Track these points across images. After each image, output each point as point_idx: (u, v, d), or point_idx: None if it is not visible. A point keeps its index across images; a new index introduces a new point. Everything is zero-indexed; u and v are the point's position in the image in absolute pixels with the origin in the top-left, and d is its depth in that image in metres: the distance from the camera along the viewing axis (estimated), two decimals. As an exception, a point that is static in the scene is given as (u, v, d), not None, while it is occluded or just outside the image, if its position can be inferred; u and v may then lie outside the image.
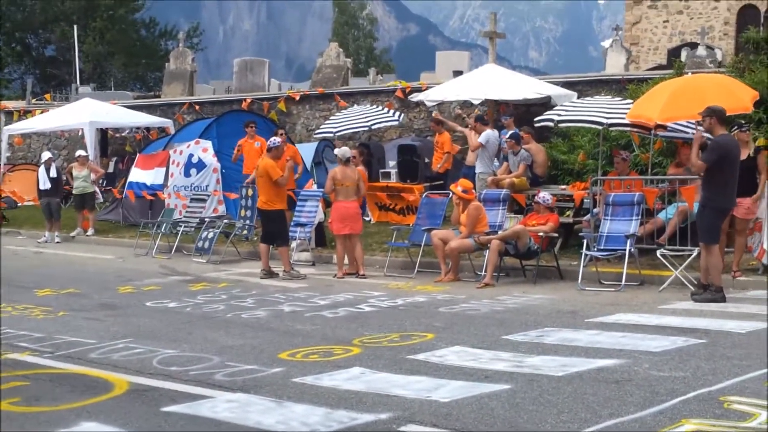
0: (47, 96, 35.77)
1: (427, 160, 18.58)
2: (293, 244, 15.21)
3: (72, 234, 20.18)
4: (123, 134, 27.35)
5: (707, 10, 37.73)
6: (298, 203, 16.17)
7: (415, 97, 20.09)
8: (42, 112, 28.06)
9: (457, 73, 28.15)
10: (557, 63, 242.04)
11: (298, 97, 25.06)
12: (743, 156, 11.34)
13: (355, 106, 22.49)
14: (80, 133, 25.15)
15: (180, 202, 19.12)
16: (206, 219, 17.50)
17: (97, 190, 21.31)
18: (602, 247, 12.54)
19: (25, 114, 29.57)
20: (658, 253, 12.21)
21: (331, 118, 21.20)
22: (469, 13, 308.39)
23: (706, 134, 10.94)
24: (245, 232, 16.72)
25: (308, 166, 19.52)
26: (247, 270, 15.01)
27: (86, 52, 47.99)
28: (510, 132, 16.01)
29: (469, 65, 37.18)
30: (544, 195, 13.41)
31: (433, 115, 19.12)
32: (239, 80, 29.96)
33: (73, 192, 20.58)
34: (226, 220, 17.24)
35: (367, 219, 17.84)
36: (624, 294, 11.51)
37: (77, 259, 16.92)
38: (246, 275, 14.45)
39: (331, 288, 12.79)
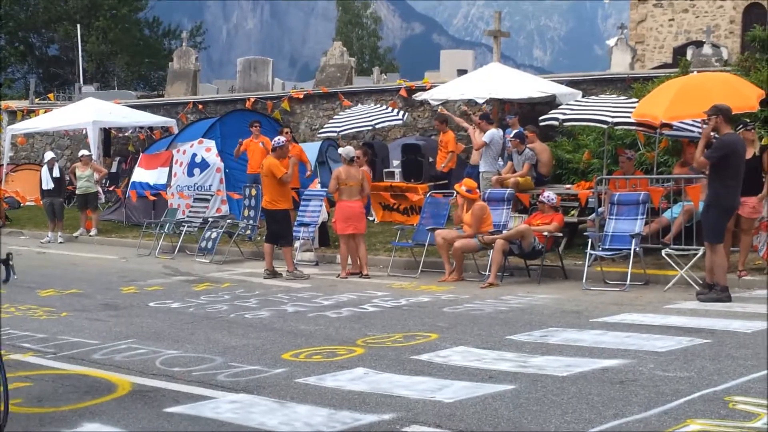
0: (50, 95, 35.79)
1: (431, 160, 18.57)
2: (297, 244, 15.18)
3: (75, 234, 20.18)
4: (126, 134, 27.33)
5: (713, 8, 37.62)
6: (302, 203, 16.15)
7: (420, 96, 20.05)
8: (45, 112, 28.05)
9: (462, 72, 28.14)
10: (562, 62, 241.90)
11: (301, 96, 25.03)
12: (749, 155, 11.29)
13: (359, 105, 22.46)
14: (83, 133, 25.15)
15: (183, 202, 19.12)
16: (209, 219, 17.48)
17: (99, 189, 21.28)
18: (607, 247, 12.50)
19: (28, 114, 29.57)
20: (663, 252, 12.17)
21: (335, 117, 21.18)
22: (474, 11, 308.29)
23: (712, 132, 10.89)
24: (248, 232, 16.69)
25: (312, 165, 19.49)
26: (250, 270, 14.99)
27: (89, 51, 48.02)
28: (515, 131, 15.97)
29: (473, 64, 37.17)
30: (549, 194, 13.37)
31: (438, 110, 19.03)
32: (243, 79, 29.94)
33: (76, 192, 20.58)
34: (229, 220, 17.22)
35: (371, 219, 17.82)
36: (629, 294, 11.47)
37: (80, 259, 16.91)
38: (249, 275, 14.43)
39: (335, 288, 12.76)
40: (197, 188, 19.23)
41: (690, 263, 11.77)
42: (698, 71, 17.08)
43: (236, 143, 18.68)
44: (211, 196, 18.85)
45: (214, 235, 16.61)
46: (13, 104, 32.35)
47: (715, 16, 37.23)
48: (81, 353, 8.46)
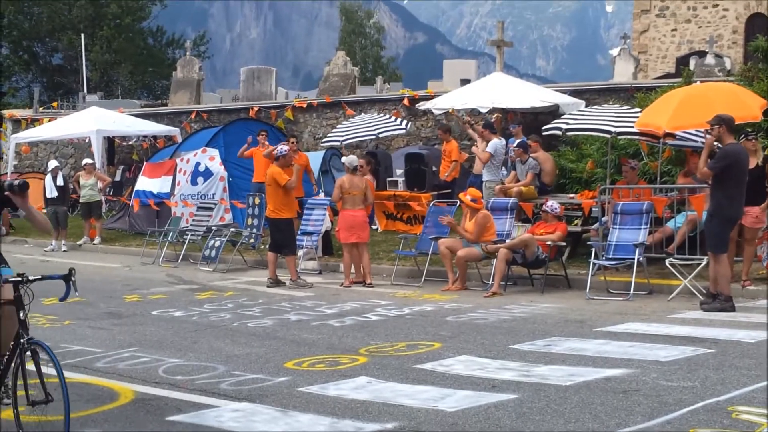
0: (54, 104, 35.85)
1: (434, 169, 18.57)
2: (300, 253, 15.18)
3: (79, 243, 20.20)
4: (130, 143, 27.37)
5: (715, 18, 37.66)
6: (305, 212, 16.16)
7: (423, 106, 20.07)
8: (49, 121, 28.07)
9: (465, 82, 28.14)
10: (565, 71, 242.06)
11: (305, 106, 25.06)
12: (752, 165, 11.29)
13: (362, 114, 22.48)
14: (87, 142, 25.18)
15: (187, 211, 19.13)
16: (213, 227, 17.49)
17: (102, 198, 21.31)
18: (611, 256, 12.49)
19: (32, 122, 29.62)
20: (667, 262, 12.16)
21: (338, 126, 21.20)
22: (477, 21, 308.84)
23: (715, 142, 10.90)
24: (252, 240, 16.70)
25: (315, 174, 19.52)
26: (253, 279, 14.99)
27: (93, 60, 48.14)
28: (518, 140, 15.97)
29: (476, 74, 37.17)
30: (552, 204, 13.37)
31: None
32: (246, 89, 29.99)
33: (80, 200, 20.61)
34: (232, 229, 17.23)
35: (374, 228, 17.82)
36: (632, 303, 11.46)
37: (84, 267, 16.88)
38: (253, 284, 14.43)
39: (338, 297, 12.76)
40: (201, 197, 19.25)
41: (694, 273, 11.76)
42: (701, 81, 17.11)
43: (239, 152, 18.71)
44: (215, 204, 18.87)
45: (217, 243, 16.61)
46: (17, 113, 32.40)
47: (717, 27, 37.26)
48: (84, 361, 8.46)
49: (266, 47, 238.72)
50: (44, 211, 21.10)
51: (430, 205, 15.67)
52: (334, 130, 20.91)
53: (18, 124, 30.07)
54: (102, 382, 7.58)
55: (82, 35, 42.74)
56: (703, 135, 12.37)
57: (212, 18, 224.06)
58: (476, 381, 7.34)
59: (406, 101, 23.18)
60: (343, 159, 14.97)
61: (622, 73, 27.64)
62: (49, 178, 20.41)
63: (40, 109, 33.38)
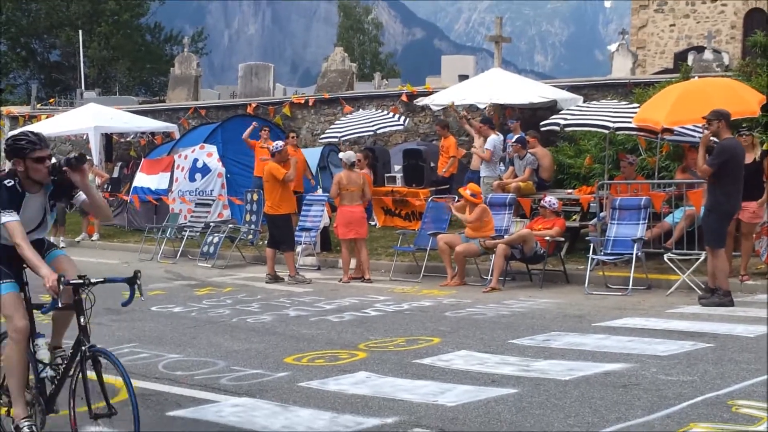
0: (52, 101, 35.80)
1: (432, 165, 18.56)
2: (299, 249, 15.18)
3: (77, 239, 20.20)
4: (128, 139, 27.33)
5: (714, 13, 37.66)
6: (304, 208, 16.17)
7: (421, 102, 20.07)
8: (47, 118, 28.04)
9: (463, 78, 28.07)
10: (563, 67, 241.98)
11: (303, 102, 25.04)
12: (749, 160, 11.30)
13: (360, 110, 22.46)
14: (85, 138, 25.15)
15: (185, 207, 19.13)
16: (211, 223, 17.49)
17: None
18: (609, 251, 12.50)
19: (30, 119, 29.58)
20: (665, 257, 12.17)
21: (337, 122, 21.18)
22: (475, 17, 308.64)
23: (712, 138, 10.91)
24: (250, 236, 16.70)
25: (313, 170, 19.52)
26: (252, 274, 15.00)
27: (91, 57, 48.06)
28: (516, 136, 15.98)
29: (474, 69, 37.10)
30: (551, 199, 13.38)
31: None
32: (244, 85, 29.95)
33: (79, 197, 20.58)
34: (231, 225, 17.24)
35: (372, 223, 17.82)
36: (631, 298, 11.47)
37: (82, 264, 16.79)
38: (251, 280, 14.44)
39: (337, 292, 12.77)
40: (199, 193, 19.24)
41: (692, 268, 11.76)
42: (699, 76, 17.10)
43: (238, 148, 18.71)
44: (213, 200, 18.86)
45: (216, 239, 16.62)
46: (15, 110, 32.35)
47: (716, 22, 37.27)
48: (83, 357, 8.44)
49: (264, 43, 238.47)
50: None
51: (428, 200, 15.68)
52: (332, 127, 20.89)
53: (15, 121, 30.03)
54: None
55: (80, 32, 42.67)
56: (701, 130, 12.38)
57: (210, 14, 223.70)
58: (476, 376, 7.35)
59: (404, 97, 23.15)
60: (341, 155, 14.98)
61: (621, 69, 27.66)
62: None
63: (38, 105, 33.34)
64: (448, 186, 17.59)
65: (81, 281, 5.48)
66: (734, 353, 7.94)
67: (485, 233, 13.09)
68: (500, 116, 19.31)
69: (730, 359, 7.69)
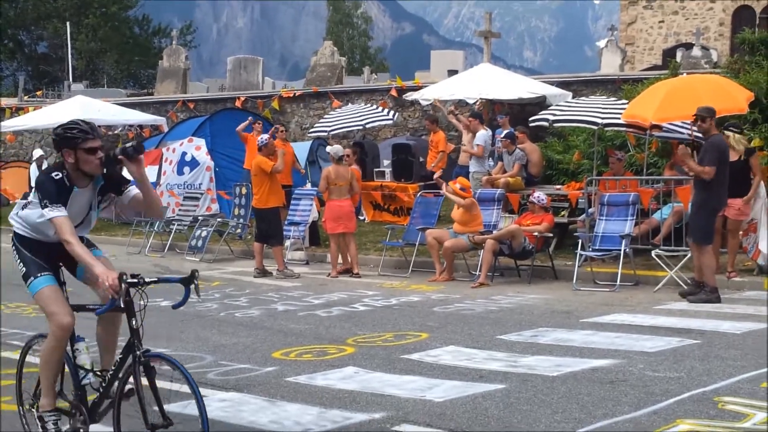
0: (39, 93, 35.66)
1: (421, 159, 18.57)
2: (287, 243, 15.16)
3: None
4: (116, 132, 27.21)
5: (702, 10, 37.77)
6: (293, 202, 16.14)
7: (410, 96, 20.06)
8: (34, 110, 27.91)
9: (452, 73, 28.13)
10: (552, 63, 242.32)
11: (292, 96, 25.00)
12: (733, 157, 11.29)
13: (349, 104, 22.44)
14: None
15: (173, 200, 19.07)
16: (199, 217, 17.45)
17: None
18: (597, 247, 12.52)
19: (17, 111, 29.45)
20: (653, 253, 12.20)
21: (326, 116, 21.17)
22: (464, 12, 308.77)
23: (698, 135, 10.94)
24: (239, 230, 16.67)
25: (302, 164, 19.49)
26: (240, 269, 14.97)
27: (79, 49, 47.91)
28: (505, 131, 15.99)
29: (464, 64, 37.18)
30: (539, 195, 13.39)
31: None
32: (233, 78, 29.90)
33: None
34: (219, 219, 17.20)
35: (361, 218, 17.81)
36: (619, 294, 11.49)
37: (70, 256, 16.85)
38: (239, 274, 14.41)
39: (325, 287, 12.75)
40: (187, 187, 19.19)
41: (680, 264, 11.80)
42: (688, 73, 17.15)
43: (226, 142, 18.66)
44: (201, 194, 18.81)
45: (204, 233, 16.58)
46: (2, 102, 32.22)
47: (704, 19, 37.38)
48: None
49: (253, 37, 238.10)
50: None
51: (417, 195, 15.67)
52: (321, 121, 20.88)
53: (2, 113, 29.89)
54: (88, 372, 7.53)
55: (68, 23, 42.55)
56: (689, 127, 12.41)
57: (199, 7, 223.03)
58: (463, 371, 7.35)
59: (393, 92, 23.15)
60: (328, 148, 14.96)
61: (609, 65, 27.70)
62: (34, 167, 20.32)
63: (25, 97, 33.23)
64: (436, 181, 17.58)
65: (136, 281, 5.10)
66: (721, 350, 7.96)
67: (474, 228, 13.09)
68: (489, 111, 19.33)
69: (716, 356, 7.72)
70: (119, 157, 5.22)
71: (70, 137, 5.22)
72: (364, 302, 11.27)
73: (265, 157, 14.01)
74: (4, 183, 26.45)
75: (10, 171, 27.09)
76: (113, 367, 5.40)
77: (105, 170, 5.35)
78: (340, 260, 13.97)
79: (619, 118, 13.76)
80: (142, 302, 5.16)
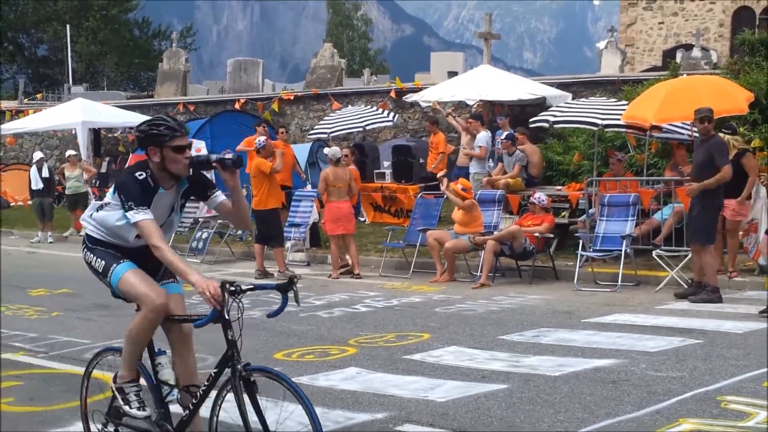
0: (39, 95, 35.68)
1: (421, 161, 18.58)
2: (288, 245, 15.17)
3: (65, 234, 20.12)
4: (116, 134, 27.28)
5: (702, 11, 37.80)
6: (293, 204, 16.14)
7: (410, 98, 20.08)
8: (34, 112, 27.95)
9: (452, 74, 28.15)
10: (552, 64, 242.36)
11: (292, 98, 25.00)
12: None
13: (350, 106, 22.45)
14: (73, 133, 25.06)
15: (174, 202, 19.05)
16: (200, 219, 17.44)
17: (89, 190, 21.22)
18: (598, 248, 12.53)
19: (17, 114, 29.46)
20: (653, 253, 12.20)
21: (326, 118, 21.17)
22: (464, 14, 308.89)
23: (696, 135, 10.94)
24: (239, 232, 16.67)
25: (303, 166, 19.50)
26: (241, 270, 14.96)
27: (79, 51, 47.92)
28: (505, 133, 16.00)
29: (463, 66, 37.20)
30: (540, 195, 13.40)
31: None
32: (233, 80, 29.90)
33: (66, 192, 20.53)
34: (220, 221, 17.18)
35: (361, 219, 17.81)
36: (620, 294, 11.49)
37: (70, 259, 16.82)
38: (240, 275, 14.38)
39: (327, 288, 12.75)
40: (187, 189, 19.17)
41: (681, 264, 11.80)
42: (688, 74, 17.14)
43: (226, 144, 18.57)
44: (202, 196, 18.78)
45: (204, 235, 16.58)
46: (2, 104, 32.23)
47: (704, 20, 37.40)
48: (72, 352, 8.42)
49: (253, 39, 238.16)
50: (29, 202, 21.05)
51: (417, 197, 15.68)
52: (321, 122, 20.88)
53: (2, 116, 29.90)
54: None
55: (68, 26, 42.57)
56: (689, 128, 12.43)
57: (199, 9, 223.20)
58: (466, 371, 7.35)
59: (393, 93, 23.16)
60: (326, 150, 14.97)
61: (609, 66, 27.71)
62: (34, 169, 20.31)
63: (25, 100, 33.25)
64: (437, 182, 17.58)
65: (233, 289, 4.65)
66: (723, 349, 7.97)
67: (474, 229, 13.10)
68: (489, 113, 19.34)
69: (718, 355, 7.72)
70: (214, 164, 4.90)
71: (156, 134, 4.84)
72: (366, 303, 11.27)
73: (264, 158, 14.03)
74: (4, 186, 26.48)
75: (10, 174, 27.12)
76: (206, 383, 4.99)
77: (192, 172, 4.98)
78: (341, 262, 13.97)
79: (619, 119, 13.78)
80: (238, 312, 4.71)
